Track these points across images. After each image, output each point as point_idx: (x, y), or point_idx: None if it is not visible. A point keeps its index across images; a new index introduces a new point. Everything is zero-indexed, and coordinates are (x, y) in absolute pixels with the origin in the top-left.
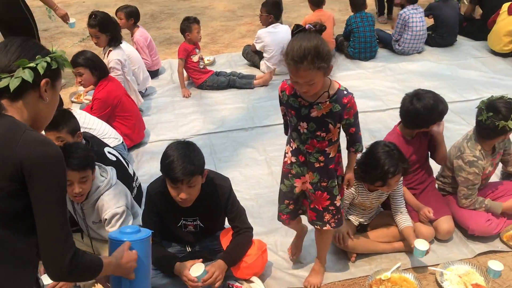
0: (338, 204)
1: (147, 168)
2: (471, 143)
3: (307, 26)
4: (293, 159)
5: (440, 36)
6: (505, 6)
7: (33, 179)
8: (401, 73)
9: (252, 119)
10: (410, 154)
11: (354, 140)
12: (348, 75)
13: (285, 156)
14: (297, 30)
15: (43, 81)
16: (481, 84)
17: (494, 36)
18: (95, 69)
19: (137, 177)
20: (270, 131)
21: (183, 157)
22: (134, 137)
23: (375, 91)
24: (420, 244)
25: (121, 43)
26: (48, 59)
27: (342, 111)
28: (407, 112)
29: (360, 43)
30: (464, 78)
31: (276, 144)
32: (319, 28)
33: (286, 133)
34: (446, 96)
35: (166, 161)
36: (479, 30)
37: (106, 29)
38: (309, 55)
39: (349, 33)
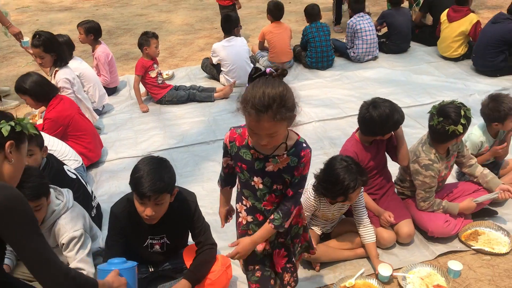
0: (294, 260)
1: (106, 187)
2: (426, 147)
3: (268, 70)
4: (249, 219)
5: (393, 43)
6: (444, 16)
7: (2, 222)
8: (357, 80)
9: (214, 132)
10: (369, 160)
11: (282, 204)
12: (307, 85)
13: (238, 216)
14: (256, 74)
15: (8, 143)
16: (435, 88)
17: (442, 43)
18: (36, 95)
19: (95, 196)
20: None
21: (153, 173)
22: (91, 156)
23: (333, 99)
24: (384, 270)
25: (67, 63)
26: (12, 123)
27: (297, 165)
28: (363, 119)
29: (317, 53)
30: (418, 83)
31: None
32: (281, 73)
33: (221, 185)
34: (401, 101)
35: (135, 175)
36: (430, 36)
37: (51, 49)
38: (274, 103)
39: (306, 43)
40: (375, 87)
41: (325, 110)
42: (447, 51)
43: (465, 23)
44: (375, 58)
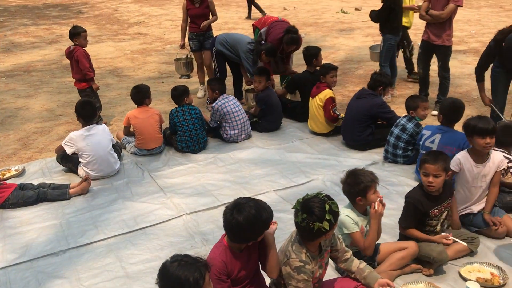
0: None
1: None
2: (296, 246)
3: None
4: None
5: (267, 121)
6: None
7: None
8: (232, 162)
9: (66, 239)
10: (239, 270)
11: None
12: (179, 171)
13: None
14: None
15: None
16: (309, 166)
17: (311, 119)
18: None
19: None
20: (86, 252)
21: None
22: None
23: (206, 185)
24: None
25: None
26: None
27: None
28: (230, 226)
29: (186, 137)
30: (292, 161)
31: (93, 268)
32: None
33: None
34: (277, 183)
35: None
36: (301, 111)
37: None
38: None
39: (174, 127)
40: (250, 169)
41: (198, 200)
42: (315, 127)
43: (321, 98)
44: (249, 137)
